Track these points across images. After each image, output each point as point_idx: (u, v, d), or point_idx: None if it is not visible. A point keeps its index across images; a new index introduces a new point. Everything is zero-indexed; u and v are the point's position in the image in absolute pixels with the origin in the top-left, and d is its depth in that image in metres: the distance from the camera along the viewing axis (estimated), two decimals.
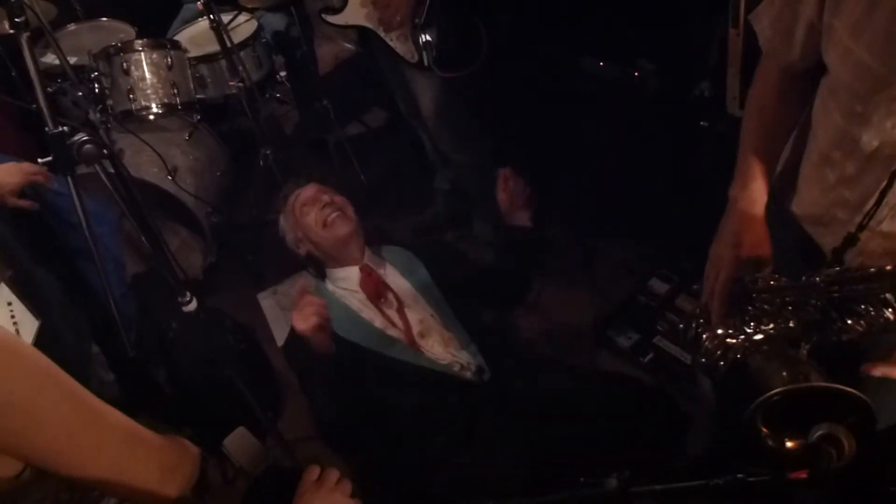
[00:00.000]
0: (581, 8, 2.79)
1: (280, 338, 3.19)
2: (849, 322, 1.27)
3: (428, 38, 2.60)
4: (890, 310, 1.22)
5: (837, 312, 1.27)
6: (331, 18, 2.70)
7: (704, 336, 1.48)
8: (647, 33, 2.67)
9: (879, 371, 1.24)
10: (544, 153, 3.05)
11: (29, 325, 2.00)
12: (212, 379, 2.48)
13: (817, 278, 1.32)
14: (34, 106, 3.23)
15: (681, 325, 1.58)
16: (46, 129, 1.66)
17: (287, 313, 3.27)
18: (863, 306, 1.23)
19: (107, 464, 1.07)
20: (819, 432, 1.07)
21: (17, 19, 1.48)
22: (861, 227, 1.33)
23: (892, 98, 1.19)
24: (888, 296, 1.23)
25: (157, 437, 1.17)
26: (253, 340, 3.07)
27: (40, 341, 1.99)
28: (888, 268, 1.24)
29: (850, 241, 1.36)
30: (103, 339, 2.35)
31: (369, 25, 2.66)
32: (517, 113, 3.15)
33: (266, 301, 3.36)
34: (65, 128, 1.69)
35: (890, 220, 1.31)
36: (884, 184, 1.26)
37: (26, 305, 2.00)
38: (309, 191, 2.23)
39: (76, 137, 1.68)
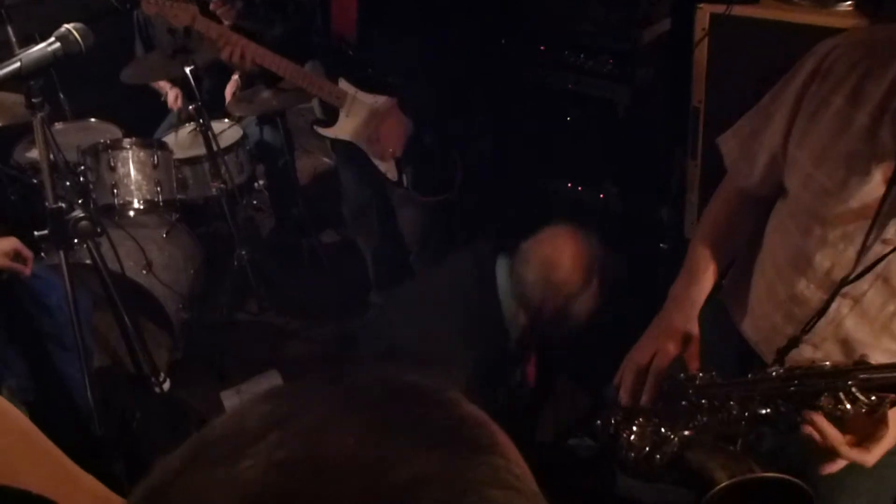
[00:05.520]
0: (555, 137, 2.99)
1: None
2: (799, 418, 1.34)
3: (408, 165, 2.77)
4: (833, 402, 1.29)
5: (791, 404, 1.34)
6: (322, 131, 2.86)
7: (624, 433, 1.50)
8: (614, 160, 2.86)
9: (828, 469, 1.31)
10: None
11: None
12: None
13: (770, 374, 1.40)
14: (12, 197, 3.34)
15: (598, 423, 1.58)
16: (46, 203, 1.73)
17: None
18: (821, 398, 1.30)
19: None
20: None
21: (34, 100, 1.58)
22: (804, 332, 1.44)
23: (846, 221, 1.33)
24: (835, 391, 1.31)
25: None
26: None
27: None
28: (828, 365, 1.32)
29: (793, 343, 1.45)
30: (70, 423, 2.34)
31: (356, 142, 2.81)
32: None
33: (229, 401, 3.33)
34: (63, 204, 1.76)
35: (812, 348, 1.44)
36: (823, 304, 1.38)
37: None
38: None
39: (73, 213, 1.75)
